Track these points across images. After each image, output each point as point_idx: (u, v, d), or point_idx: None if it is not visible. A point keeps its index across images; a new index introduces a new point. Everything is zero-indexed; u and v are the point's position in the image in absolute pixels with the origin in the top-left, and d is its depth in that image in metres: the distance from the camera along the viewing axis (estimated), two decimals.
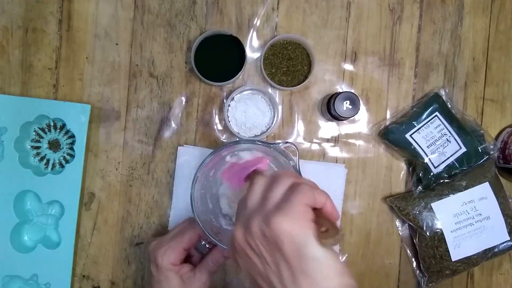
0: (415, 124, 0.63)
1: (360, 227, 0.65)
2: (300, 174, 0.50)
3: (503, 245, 0.63)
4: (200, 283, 0.54)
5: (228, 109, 0.62)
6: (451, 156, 0.63)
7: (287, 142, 0.51)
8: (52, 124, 0.64)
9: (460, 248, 0.62)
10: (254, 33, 0.65)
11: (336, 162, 0.66)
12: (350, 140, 0.66)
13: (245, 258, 0.38)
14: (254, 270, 0.37)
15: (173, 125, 0.65)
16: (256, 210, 0.38)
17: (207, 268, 0.55)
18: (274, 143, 0.51)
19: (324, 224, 0.37)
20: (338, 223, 0.64)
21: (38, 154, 0.64)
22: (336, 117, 0.61)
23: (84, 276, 0.64)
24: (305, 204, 0.37)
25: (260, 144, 0.52)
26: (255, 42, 0.65)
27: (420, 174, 0.63)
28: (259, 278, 0.37)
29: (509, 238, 0.62)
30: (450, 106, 0.64)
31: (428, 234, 0.62)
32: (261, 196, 0.39)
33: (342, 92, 0.59)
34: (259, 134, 0.62)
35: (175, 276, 0.53)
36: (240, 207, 0.41)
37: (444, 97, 0.64)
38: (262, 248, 0.36)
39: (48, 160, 0.64)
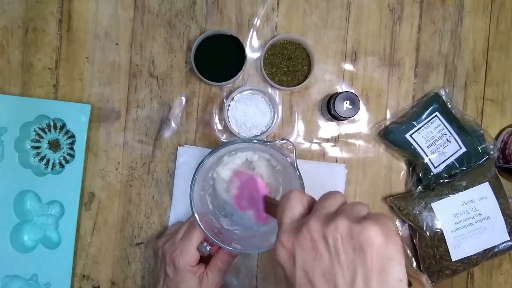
0: (415, 124, 0.63)
1: None
2: (298, 170, 0.50)
3: (503, 245, 0.63)
4: (214, 284, 0.55)
5: (228, 109, 0.62)
6: (451, 156, 0.63)
7: (283, 139, 0.51)
8: (52, 124, 0.64)
9: (460, 248, 0.62)
10: (254, 33, 0.65)
11: (336, 162, 0.66)
12: (350, 140, 0.66)
13: (309, 249, 0.34)
14: (315, 266, 0.34)
15: (173, 125, 0.65)
16: (341, 212, 0.35)
17: (217, 268, 0.55)
18: (270, 141, 0.51)
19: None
20: None
21: (38, 154, 0.64)
22: (336, 117, 0.61)
23: (84, 276, 0.64)
24: (392, 225, 0.35)
25: (256, 143, 0.52)
26: (255, 42, 0.65)
27: (420, 174, 0.63)
28: (317, 275, 0.34)
29: (509, 238, 0.62)
30: (450, 106, 0.64)
31: (428, 234, 0.62)
32: (340, 205, 0.37)
33: (342, 92, 0.59)
34: (259, 134, 0.62)
35: (193, 277, 0.54)
36: (298, 199, 0.39)
37: (444, 97, 0.64)
38: (340, 246, 0.33)
39: (48, 160, 0.64)
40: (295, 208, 0.38)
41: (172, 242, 0.56)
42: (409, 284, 0.34)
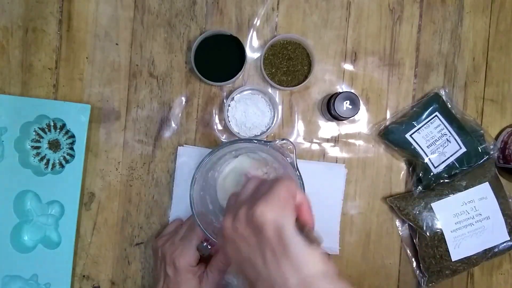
0: (415, 124, 0.63)
1: (360, 227, 0.65)
2: (298, 170, 0.50)
3: (503, 245, 0.63)
4: (214, 283, 0.55)
5: (228, 109, 0.62)
6: (451, 156, 0.63)
7: (283, 139, 0.51)
8: (52, 124, 0.64)
9: (460, 248, 0.62)
10: (254, 33, 0.65)
11: (336, 162, 0.66)
12: (350, 140, 0.66)
13: (233, 245, 0.40)
14: (241, 256, 0.40)
15: (173, 125, 0.65)
16: (245, 201, 0.41)
17: (218, 268, 0.55)
18: (270, 141, 0.51)
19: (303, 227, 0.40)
20: (336, 225, 0.64)
21: (38, 154, 0.64)
22: (336, 117, 0.61)
23: (84, 276, 0.64)
24: (286, 193, 0.40)
25: (256, 143, 0.52)
26: (255, 42, 0.65)
27: (420, 174, 0.63)
28: (245, 264, 0.39)
29: (509, 238, 0.62)
30: (450, 106, 0.64)
31: (428, 234, 0.62)
32: (251, 192, 0.43)
33: (342, 92, 0.59)
34: (259, 134, 0.62)
35: (194, 277, 0.54)
36: (230, 200, 0.46)
37: (444, 97, 0.64)
38: (247, 233, 0.39)
39: (48, 160, 0.64)
40: (246, 191, 0.44)
41: (172, 242, 0.56)
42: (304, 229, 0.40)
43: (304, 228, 0.39)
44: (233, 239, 0.40)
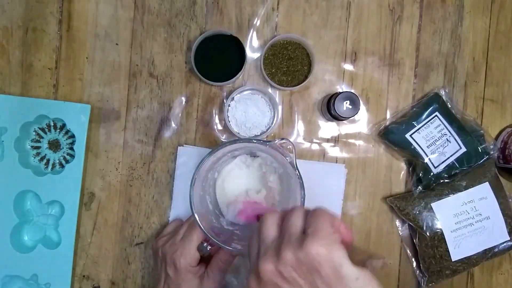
0: (415, 124, 0.63)
1: (360, 227, 0.65)
2: (297, 169, 0.50)
3: (503, 245, 0.63)
4: (215, 283, 0.55)
5: (228, 109, 0.62)
6: (451, 156, 0.63)
7: (282, 139, 0.51)
8: (52, 124, 0.64)
9: (460, 248, 0.62)
10: (254, 33, 0.65)
11: (336, 162, 0.66)
12: (350, 140, 0.66)
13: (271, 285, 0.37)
14: None
15: (173, 125, 0.65)
16: (281, 240, 0.37)
17: (218, 268, 0.55)
18: (270, 141, 0.51)
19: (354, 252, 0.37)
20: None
21: (38, 154, 0.64)
22: (336, 117, 0.61)
23: (84, 276, 0.64)
24: (331, 225, 0.37)
25: (255, 143, 0.52)
26: (255, 42, 0.65)
27: (420, 174, 0.63)
28: None
29: (509, 238, 0.62)
30: (450, 106, 0.64)
31: (428, 234, 0.62)
32: (277, 228, 0.39)
33: (342, 92, 0.59)
34: (259, 134, 0.62)
35: (194, 277, 0.54)
36: (253, 243, 0.41)
37: (444, 97, 0.64)
38: (295, 275, 0.36)
39: (48, 160, 0.64)
40: (254, 246, 0.40)
41: (172, 243, 0.56)
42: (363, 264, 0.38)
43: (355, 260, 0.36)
44: (275, 283, 0.37)
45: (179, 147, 0.64)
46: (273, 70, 0.63)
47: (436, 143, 0.63)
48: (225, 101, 0.64)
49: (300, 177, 0.50)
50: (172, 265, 0.54)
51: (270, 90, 0.64)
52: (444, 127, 0.63)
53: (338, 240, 0.36)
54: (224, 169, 0.60)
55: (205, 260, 0.57)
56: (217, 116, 0.65)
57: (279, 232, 0.39)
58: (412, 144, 0.63)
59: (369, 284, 0.36)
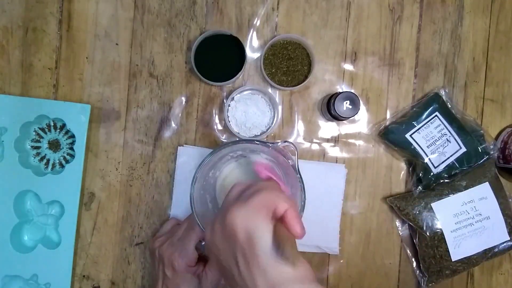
0: (415, 124, 0.63)
1: (360, 227, 0.65)
2: (299, 173, 0.50)
3: (503, 245, 0.63)
4: (214, 282, 0.54)
5: (228, 109, 0.62)
6: (451, 156, 0.63)
7: (286, 141, 0.51)
8: (52, 124, 0.64)
9: (460, 248, 0.62)
10: (254, 33, 0.65)
11: (336, 162, 0.66)
12: (350, 140, 0.66)
13: (214, 257, 0.39)
14: (221, 267, 0.39)
15: (173, 125, 0.65)
16: (222, 210, 0.40)
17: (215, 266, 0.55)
18: (273, 143, 0.51)
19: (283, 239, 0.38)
20: (336, 225, 0.64)
21: (38, 154, 0.64)
22: (336, 117, 0.61)
23: (84, 276, 0.64)
24: (263, 203, 0.38)
25: (258, 144, 0.52)
26: (255, 42, 0.65)
27: (420, 174, 0.63)
28: (226, 275, 0.38)
29: (509, 238, 0.62)
30: (450, 106, 0.64)
31: (428, 234, 0.62)
32: (232, 200, 0.41)
33: (342, 92, 0.59)
34: (259, 134, 0.62)
35: (193, 277, 0.54)
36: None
37: (444, 97, 0.64)
38: (223, 244, 0.38)
39: (48, 160, 0.64)
40: (228, 198, 0.43)
41: (170, 243, 0.56)
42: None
43: (280, 244, 0.37)
44: (213, 251, 0.39)
45: (179, 147, 0.64)
46: (273, 70, 0.63)
47: (436, 143, 0.63)
48: (225, 101, 0.64)
49: (301, 180, 0.50)
50: (170, 266, 0.54)
51: (270, 90, 0.64)
52: (444, 127, 0.63)
53: (262, 215, 0.37)
54: (225, 169, 0.60)
55: (203, 259, 0.57)
56: (217, 116, 0.65)
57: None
58: (412, 144, 0.63)
59: (291, 271, 0.35)
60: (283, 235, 0.38)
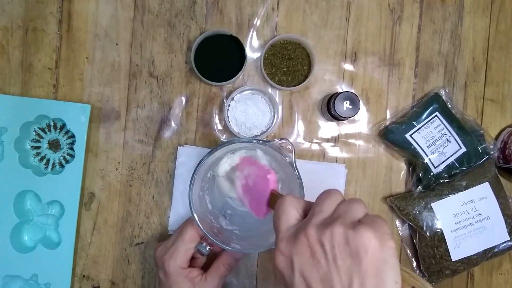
0: (415, 124, 0.63)
1: None
2: (297, 170, 0.50)
3: (503, 245, 0.63)
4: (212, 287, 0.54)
5: (228, 109, 0.62)
6: (451, 156, 0.63)
7: (282, 139, 0.51)
8: (52, 124, 0.64)
9: (460, 248, 0.62)
10: (254, 33, 0.65)
11: (336, 162, 0.66)
12: (350, 140, 0.66)
13: (307, 256, 0.35)
14: (313, 272, 0.35)
15: (173, 125, 0.65)
16: (335, 218, 0.36)
17: (218, 273, 0.55)
18: (269, 141, 0.51)
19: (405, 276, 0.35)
20: None
21: (38, 154, 0.64)
22: (336, 117, 0.61)
23: (84, 276, 0.64)
24: (388, 227, 0.35)
25: (255, 142, 0.52)
26: (255, 42, 0.65)
27: (420, 174, 0.63)
28: (315, 281, 0.34)
29: (509, 238, 0.62)
30: (450, 106, 0.64)
31: (428, 234, 0.62)
32: (336, 209, 0.37)
33: (342, 92, 0.59)
34: (259, 134, 0.62)
35: (185, 280, 0.53)
36: (288, 207, 0.39)
37: (444, 97, 0.64)
38: (337, 253, 0.34)
39: (48, 160, 0.64)
40: (290, 213, 0.38)
41: (164, 246, 0.56)
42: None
43: None
44: (312, 251, 0.35)
45: (179, 147, 0.64)
46: (273, 70, 0.63)
47: (436, 143, 0.63)
48: (225, 101, 0.64)
49: (299, 177, 0.50)
50: (162, 268, 0.54)
51: (270, 90, 0.64)
52: (444, 127, 0.63)
53: (393, 238, 0.34)
54: (224, 168, 0.60)
55: (197, 264, 0.57)
56: (217, 116, 0.65)
57: (333, 211, 0.37)
58: (412, 144, 0.63)
59: None
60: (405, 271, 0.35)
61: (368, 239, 0.33)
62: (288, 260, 0.36)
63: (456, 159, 0.63)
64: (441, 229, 0.62)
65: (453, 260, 0.62)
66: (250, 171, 0.52)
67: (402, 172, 0.66)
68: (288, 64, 0.63)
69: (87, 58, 0.65)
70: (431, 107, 0.63)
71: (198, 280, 0.54)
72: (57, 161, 0.64)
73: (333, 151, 0.66)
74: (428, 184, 0.63)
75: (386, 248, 0.33)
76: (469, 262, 0.62)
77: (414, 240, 0.64)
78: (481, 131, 0.64)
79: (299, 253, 0.35)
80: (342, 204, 0.37)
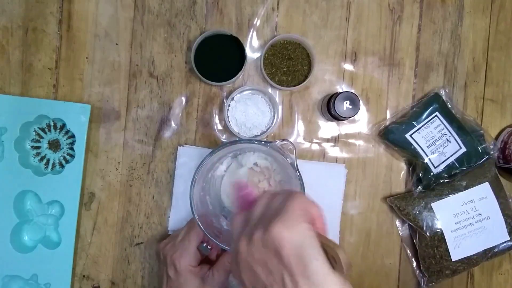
0: (415, 124, 0.63)
1: (360, 227, 0.65)
2: (298, 170, 0.50)
3: (503, 245, 0.63)
4: (220, 283, 0.54)
5: (228, 109, 0.62)
6: (451, 156, 0.63)
7: (283, 140, 0.51)
8: (52, 124, 0.64)
9: (460, 248, 0.62)
10: (254, 33, 0.65)
11: (336, 162, 0.66)
12: (350, 140, 0.66)
13: (249, 271, 0.37)
14: (258, 282, 0.36)
15: (173, 125, 0.65)
16: (258, 222, 0.38)
17: (224, 268, 0.55)
18: (271, 142, 0.51)
19: (327, 249, 0.36)
20: (336, 225, 0.64)
21: (38, 154, 0.64)
22: (336, 117, 0.61)
23: (84, 276, 0.64)
24: (301, 208, 0.37)
25: (256, 143, 0.52)
26: (255, 42, 0.65)
27: (420, 174, 0.63)
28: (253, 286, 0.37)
29: (509, 238, 0.62)
30: (450, 106, 0.64)
31: (428, 234, 0.62)
32: (263, 210, 0.40)
33: (342, 92, 0.59)
34: (259, 134, 0.62)
35: (195, 278, 0.54)
36: (236, 221, 0.42)
37: (444, 97, 0.64)
38: (264, 257, 0.35)
39: (48, 160, 0.64)
40: (257, 209, 0.40)
41: (172, 244, 0.56)
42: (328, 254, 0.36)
43: (327, 247, 0.35)
44: (250, 265, 0.37)
45: (179, 147, 0.64)
46: (273, 70, 0.63)
47: (436, 143, 0.63)
48: (225, 101, 0.64)
49: (300, 178, 0.50)
50: (172, 266, 0.54)
51: (270, 90, 0.64)
52: (444, 127, 0.63)
53: (305, 222, 0.36)
54: (225, 168, 0.60)
55: (207, 261, 0.57)
56: (217, 116, 0.65)
57: (263, 212, 0.39)
58: (412, 144, 0.63)
59: (336, 278, 0.34)
60: (327, 243, 0.36)
61: (279, 234, 0.35)
62: (240, 278, 0.38)
63: (456, 159, 0.63)
64: (441, 229, 0.62)
65: (453, 260, 0.62)
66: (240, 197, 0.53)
67: (402, 172, 0.66)
68: (288, 64, 0.63)
69: (87, 58, 0.65)
70: (431, 107, 0.63)
71: (206, 277, 0.54)
72: (57, 161, 0.64)
73: (333, 151, 0.66)
74: (428, 184, 0.63)
75: (297, 233, 0.35)
76: (469, 262, 0.62)
77: (414, 240, 0.64)
78: (481, 131, 0.64)
79: (243, 270, 0.38)
80: (267, 204, 0.40)
